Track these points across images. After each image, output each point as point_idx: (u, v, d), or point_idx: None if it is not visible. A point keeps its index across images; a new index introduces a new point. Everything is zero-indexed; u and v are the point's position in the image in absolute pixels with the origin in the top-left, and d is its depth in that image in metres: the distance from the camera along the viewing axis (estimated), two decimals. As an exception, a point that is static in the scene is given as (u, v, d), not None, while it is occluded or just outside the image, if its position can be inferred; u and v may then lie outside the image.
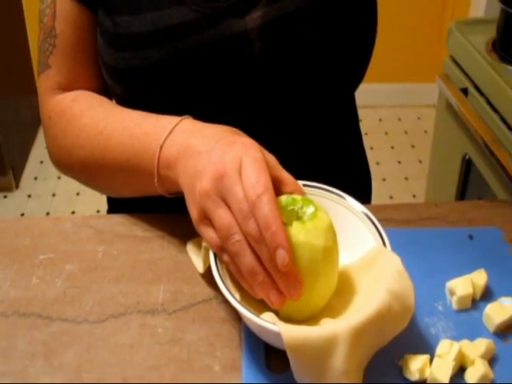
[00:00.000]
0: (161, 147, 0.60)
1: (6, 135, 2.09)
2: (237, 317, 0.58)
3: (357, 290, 0.56)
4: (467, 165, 1.44)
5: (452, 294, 0.59)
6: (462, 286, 0.59)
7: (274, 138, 0.63)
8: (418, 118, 2.47)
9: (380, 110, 2.52)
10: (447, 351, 0.53)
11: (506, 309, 0.57)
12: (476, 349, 0.54)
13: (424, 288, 0.60)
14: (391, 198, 2.12)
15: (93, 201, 2.10)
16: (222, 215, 0.52)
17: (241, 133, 0.60)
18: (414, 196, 2.13)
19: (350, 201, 0.61)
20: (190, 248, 0.65)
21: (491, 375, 0.53)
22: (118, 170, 0.66)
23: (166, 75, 0.67)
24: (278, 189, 0.55)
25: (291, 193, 0.55)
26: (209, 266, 0.57)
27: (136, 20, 0.66)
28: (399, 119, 2.49)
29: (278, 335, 0.49)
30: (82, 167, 0.70)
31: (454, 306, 0.59)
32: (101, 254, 0.66)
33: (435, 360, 0.53)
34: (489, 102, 1.32)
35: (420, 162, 2.26)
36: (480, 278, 0.60)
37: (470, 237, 0.67)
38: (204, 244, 0.59)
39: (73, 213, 2.08)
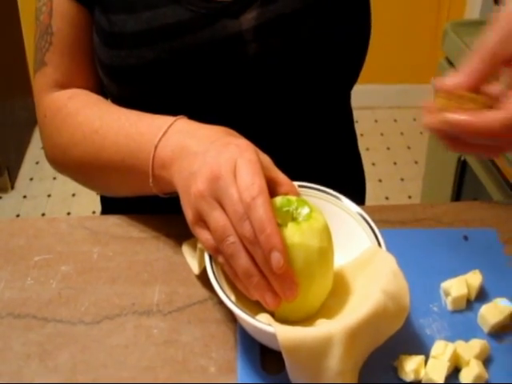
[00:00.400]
0: (155, 147, 0.60)
1: (1, 136, 2.08)
2: (232, 318, 0.58)
3: (352, 290, 0.56)
4: (463, 166, 1.45)
5: (447, 294, 0.60)
6: (457, 286, 0.59)
7: (269, 139, 0.64)
8: (414, 120, 2.47)
9: (376, 111, 2.53)
10: (442, 352, 0.53)
11: (500, 309, 0.57)
12: (471, 349, 0.54)
13: (419, 289, 0.60)
14: (387, 198, 2.12)
15: (88, 202, 2.10)
16: (216, 217, 0.52)
17: (236, 134, 0.60)
18: (410, 197, 2.13)
19: (345, 201, 0.61)
20: (186, 249, 0.64)
21: (486, 376, 0.53)
22: (113, 170, 0.66)
23: (161, 74, 0.67)
24: (273, 190, 0.55)
25: (286, 194, 0.55)
26: (204, 268, 0.57)
27: (131, 19, 0.66)
28: (395, 120, 2.50)
29: (273, 336, 0.49)
30: (77, 166, 0.70)
31: (449, 306, 0.59)
32: (96, 254, 0.66)
33: (430, 361, 0.53)
34: (484, 103, 1.32)
35: (416, 163, 2.27)
36: (475, 278, 0.60)
37: (465, 238, 0.67)
38: (199, 245, 0.59)
39: (68, 214, 2.08)
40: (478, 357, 0.53)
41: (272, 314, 0.53)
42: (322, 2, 0.67)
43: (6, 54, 2.18)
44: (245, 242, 0.51)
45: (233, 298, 0.54)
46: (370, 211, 0.61)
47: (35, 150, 2.35)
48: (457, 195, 1.50)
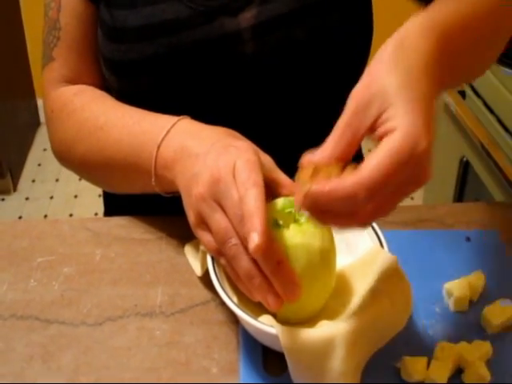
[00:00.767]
0: (158, 147, 0.60)
1: (3, 138, 2.09)
2: (234, 319, 0.58)
3: (354, 291, 0.56)
4: (465, 167, 1.45)
5: (449, 295, 0.59)
6: (460, 287, 0.59)
7: (269, 138, 0.64)
8: (416, 120, 2.47)
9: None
10: (445, 353, 0.53)
11: (503, 310, 0.57)
12: (473, 350, 0.54)
13: (421, 290, 0.60)
14: (389, 200, 2.12)
15: (90, 203, 2.10)
16: (218, 219, 0.52)
17: (238, 135, 0.60)
18: (412, 198, 2.13)
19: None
20: (188, 251, 0.65)
21: (489, 377, 0.53)
22: (116, 167, 0.66)
23: (160, 69, 0.68)
24: (275, 191, 0.55)
25: (288, 195, 0.55)
26: (206, 269, 0.57)
27: (132, 14, 0.67)
28: (397, 121, 2.49)
29: (275, 337, 0.49)
30: (81, 162, 0.70)
31: (452, 307, 0.59)
32: (98, 256, 0.66)
33: (433, 362, 0.53)
34: (486, 105, 1.32)
35: (418, 164, 2.26)
36: (477, 279, 0.60)
37: (468, 239, 0.67)
38: (201, 247, 0.59)
39: (71, 215, 2.08)
40: (480, 358, 0.53)
41: (274, 316, 0.53)
42: (321, 2, 0.67)
43: (8, 56, 2.18)
44: (245, 243, 0.51)
45: (235, 299, 0.54)
46: (372, 212, 0.60)
47: (37, 152, 2.35)
48: (459, 196, 1.50)
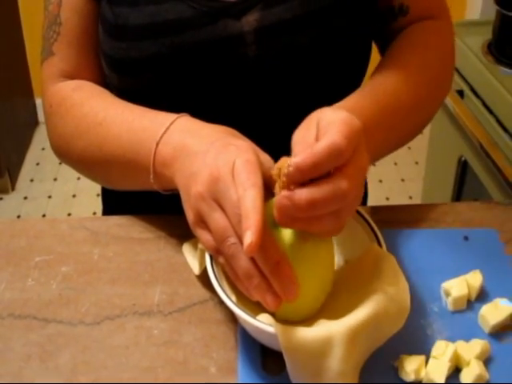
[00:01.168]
0: (157, 144, 0.60)
1: (1, 137, 2.08)
2: (233, 318, 0.58)
3: (352, 290, 0.56)
4: (463, 166, 1.45)
5: (447, 294, 0.60)
6: (458, 287, 0.59)
7: (269, 138, 0.63)
8: (415, 120, 2.47)
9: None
10: (443, 352, 0.54)
11: (501, 310, 0.57)
12: (471, 350, 0.54)
13: (419, 289, 0.60)
14: (387, 199, 2.12)
15: (89, 203, 2.10)
16: (216, 218, 0.52)
17: (237, 134, 0.60)
18: (411, 197, 2.13)
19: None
20: (186, 249, 0.65)
21: (486, 376, 0.53)
22: (114, 163, 0.66)
23: (161, 69, 0.67)
24: (273, 190, 0.55)
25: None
26: (205, 268, 0.57)
27: (135, 12, 0.67)
28: (395, 121, 2.49)
29: (274, 336, 0.49)
30: (80, 157, 0.70)
31: (450, 306, 0.59)
32: (96, 255, 0.66)
33: (431, 361, 0.53)
34: (485, 104, 1.32)
35: (416, 163, 2.27)
36: (475, 279, 0.60)
37: (466, 238, 0.67)
38: (200, 246, 0.59)
39: (69, 215, 2.08)
40: (478, 357, 0.53)
41: (273, 315, 0.53)
42: (324, 10, 0.67)
43: (6, 55, 2.18)
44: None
45: (233, 298, 0.54)
46: (370, 211, 0.61)
47: (36, 151, 2.35)
48: (457, 196, 1.50)
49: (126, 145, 0.64)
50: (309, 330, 0.50)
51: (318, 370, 0.49)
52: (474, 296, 0.60)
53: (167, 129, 0.61)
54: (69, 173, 2.19)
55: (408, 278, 0.54)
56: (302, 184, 0.49)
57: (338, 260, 0.60)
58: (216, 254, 0.53)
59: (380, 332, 0.52)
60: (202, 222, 0.54)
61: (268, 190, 0.53)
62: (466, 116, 1.36)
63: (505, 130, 1.25)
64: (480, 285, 0.60)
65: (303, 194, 0.49)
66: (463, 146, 1.42)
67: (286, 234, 0.52)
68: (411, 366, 0.53)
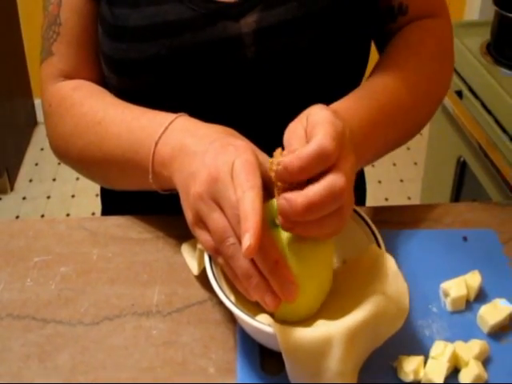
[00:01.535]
0: (156, 144, 0.60)
1: (0, 137, 2.08)
2: (231, 319, 0.58)
3: (351, 291, 0.56)
4: (462, 167, 1.45)
5: (446, 295, 0.60)
6: (456, 287, 0.59)
7: (267, 138, 0.63)
8: (413, 121, 2.47)
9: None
10: (441, 352, 0.54)
11: (499, 310, 0.57)
12: (470, 350, 0.54)
13: (418, 289, 0.60)
14: (386, 199, 2.12)
15: (88, 203, 2.10)
16: (216, 219, 0.52)
17: (236, 134, 0.60)
18: (409, 198, 2.13)
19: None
20: (185, 250, 0.65)
21: (485, 376, 0.53)
22: (113, 163, 0.66)
23: (161, 70, 0.67)
24: (272, 191, 0.55)
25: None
26: (203, 268, 0.57)
27: (134, 13, 0.67)
28: (394, 121, 2.49)
29: (273, 337, 0.49)
30: (79, 157, 0.70)
31: (448, 307, 0.59)
32: (95, 256, 0.66)
33: (429, 361, 0.53)
34: (483, 105, 1.32)
35: (415, 164, 2.27)
36: (474, 279, 0.60)
37: (465, 238, 0.67)
38: (199, 246, 0.59)
39: (68, 215, 2.08)
40: (477, 357, 0.53)
41: (271, 315, 0.53)
42: (324, 11, 0.67)
43: (5, 56, 2.18)
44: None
45: (232, 298, 0.54)
46: (369, 212, 0.61)
47: (35, 152, 2.35)
48: (456, 196, 1.50)
49: (125, 144, 0.64)
50: (308, 330, 0.50)
51: (317, 371, 0.49)
52: (472, 296, 0.60)
53: (166, 128, 0.61)
54: (68, 173, 2.19)
55: (407, 279, 0.54)
56: (298, 186, 0.49)
57: (336, 260, 0.60)
58: (215, 254, 0.53)
59: (379, 332, 0.52)
60: (201, 222, 0.54)
61: (267, 190, 0.53)
62: (464, 117, 1.36)
63: (503, 130, 1.26)
64: (479, 285, 0.60)
65: (299, 198, 0.49)
66: (462, 147, 1.42)
67: (285, 234, 0.52)
68: (410, 366, 0.53)
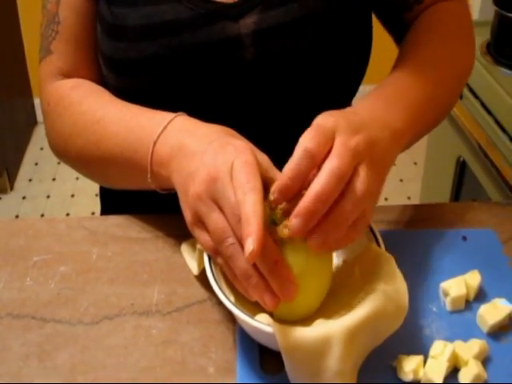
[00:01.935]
0: (154, 144, 0.60)
1: (0, 137, 2.08)
2: (231, 318, 0.58)
3: (351, 290, 0.56)
4: (461, 167, 1.45)
5: (446, 295, 0.60)
6: (456, 287, 0.59)
7: (266, 138, 0.64)
8: (413, 121, 2.47)
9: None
10: (441, 352, 0.54)
11: (499, 310, 0.57)
12: (469, 349, 0.54)
13: (418, 289, 0.60)
14: (386, 199, 2.12)
15: (87, 203, 2.10)
16: (215, 219, 0.52)
17: (235, 134, 0.60)
18: (409, 198, 2.13)
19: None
20: (185, 249, 0.65)
21: (485, 376, 0.53)
22: (112, 162, 0.66)
23: (159, 70, 0.67)
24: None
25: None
26: (203, 268, 0.57)
27: (133, 12, 0.67)
28: (394, 121, 2.49)
29: (272, 336, 0.49)
30: (77, 156, 0.70)
31: (448, 307, 0.59)
32: (95, 255, 0.66)
33: (429, 361, 0.53)
34: (483, 105, 1.32)
35: (415, 164, 2.27)
36: (473, 279, 0.60)
37: (464, 238, 0.67)
38: (198, 246, 0.59)
39: (67, 215, 2.08)
40: (476, 357, 0.54)
41: (271, 315, 0.53)
42: (323, 12, 0.67)
43: (5, 55, 2.18)
44: (242, 243, 0.50)
45: (232, 298, 0.54)
46: (368, 211, 0.61)
47: (34, 151, 2.35)
48: (456, 196, 1.50)
49: (124, 143, 0.63)
50: (307, 329, 0.50)
51: (317, 370, 0.49)
52: (472, 296, 0.60)
53: (165, 128, 0.61)
54: (67, 173, 2.19)
55: (406, 278, 0.54)
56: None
57: (336, 260, 0.60)
58: (214, 254, 0.53)
59: (378, 332, 0.52)
60: (200, 223, 0.54)
61: (266, 190, 0.53)
62: (464, 117, 1.36)
63: (503, 130, 1.26)
64: (478, 285, 0.60)
65: (305, 197, 0.50)
66: (462, 147, 1.42)
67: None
68: (409, 365, 0.53)
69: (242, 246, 0.50)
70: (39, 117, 2.45)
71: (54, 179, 2.23)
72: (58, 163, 2.24)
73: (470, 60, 0.75)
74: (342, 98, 0.76)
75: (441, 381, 0.52)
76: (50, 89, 0.72)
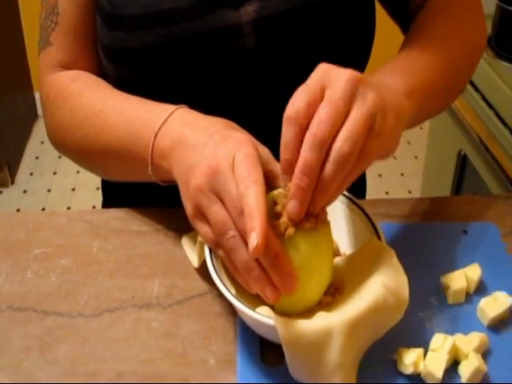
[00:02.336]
0: (155, 136, 0.60)
1: (1, 130, 2.08)
2: (232, 311, 0.58)
3: (351, 283, 0.56)
4: (462, 160, 1.45)
5: (446, 288, 0.60)
6: (456, 280, 0.59)
7: (266, 130, 0.63)
8: (414, 115, 2.47)
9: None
10: (441, 345, 0.54)
11: (499, 303, 0.57)
12: (470, 343, 0.54)
13: (418, 282, 0.60)
14: (387, 193, 2.12)
15: (88, 196, 2.10)
16: (216, 211, 0.52)
17: (236, 126, 0.59)
18: (410, 192, 2.13)
19: (345, 195, 0.61)
20: (185, 242, 0.65)
21: (485, 369, 0.53)
22: (112, 154, 0.66)
23: (158, 59, 0.67)
24: (271, 183, 0.55)
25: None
26: (204, 261, 0.57)
27: (132, 2, 0.66)
28: (395, 115, 2.49)
29: (273, 329, 0.49)
30: (77, 148, 0.70)
31: (448, 300, 0.59)
32: (96, 248, 0.66)
33: (429, 354, 0.53)
34: (484, 99, 1.32)
35: (416, 157, 2.27)
36: (474, 272, 0.60)
37: (465, 232, 0.67)
38: (199, 238, 0.59)
39: (68, 208, 2.08)
40: (477, 350, 0.54)
41: (272, 307, 0.53)
42: (324, 1, 0.67)
43: (6, 50, 2.18)
44: (244, 236, 0.51)
45: (233, 290, 0.54)
46: (369, 205, 0.61)
47: (35, 145, 2.35)
48: (456, 190, 1.50)
49: (124, 136, 0.63)
50: (308, 322, 0.50)
51: (317, 363, 0.50)
52: (472, 289, 0.60)
53: (165, 120, 0.60)
54: (68, 166, 2.19)
55: (407, 271, 0.54)
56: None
57: (337, 253, 0.60)
58: (215, 246, 0.53)
59: (379, 325, 0.52)
60: (201, 215, 0.54)
61: (267, 183, 0.53)
62: (465, 110, 1.36)
63: (504, 124, 1.25)
64: (479, 278, 0.60)
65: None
66: (463, 141, 1.42)
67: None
68: (410, 358, 0.53)
69: (243, 239, 0.50)
70: (40, 111, 2.45)
71: (54, 173, 2.23)
72: (59, 157, 2.24)
73: (480, 41, 0.74)
74: None
75: (441, 374, 0.52)
76: (49, 80, 0.72)
